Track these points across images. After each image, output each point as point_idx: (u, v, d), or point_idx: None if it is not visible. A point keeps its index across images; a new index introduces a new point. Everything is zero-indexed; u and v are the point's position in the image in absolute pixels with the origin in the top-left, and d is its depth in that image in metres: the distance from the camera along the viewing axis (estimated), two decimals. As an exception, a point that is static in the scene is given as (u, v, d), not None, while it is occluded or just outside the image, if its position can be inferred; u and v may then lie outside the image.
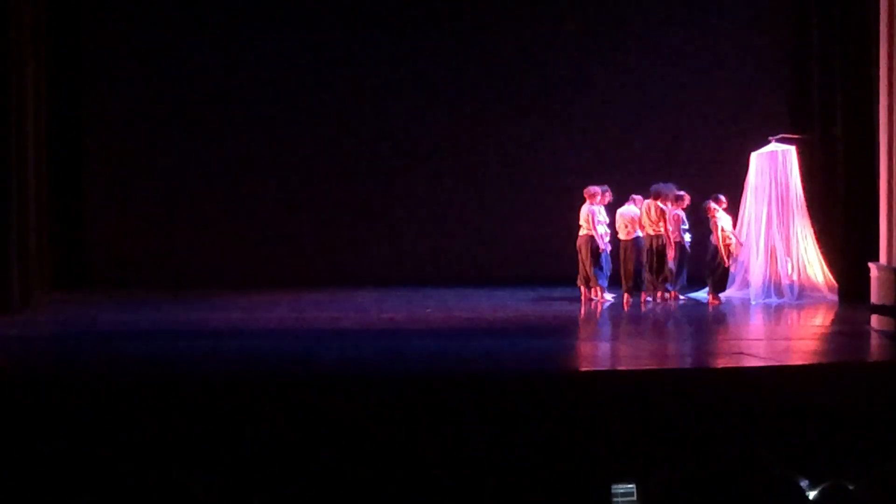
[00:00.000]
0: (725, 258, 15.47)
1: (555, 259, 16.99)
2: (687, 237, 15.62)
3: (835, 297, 15.46)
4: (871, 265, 12.85)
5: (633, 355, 11.91)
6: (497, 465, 8.43)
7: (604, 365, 11.13)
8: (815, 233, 15.93)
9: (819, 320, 14.53)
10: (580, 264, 15.63)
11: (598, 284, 15.51)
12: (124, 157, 18.08)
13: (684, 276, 15.65)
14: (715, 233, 15.53)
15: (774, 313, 14.87)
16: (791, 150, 15.96)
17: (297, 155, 18.37)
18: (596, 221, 15.49)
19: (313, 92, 18.30)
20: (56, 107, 16.80)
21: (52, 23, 16.51)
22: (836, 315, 14.53)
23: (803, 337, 13.09)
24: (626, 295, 15.52)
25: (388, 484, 8.12)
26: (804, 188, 15.93)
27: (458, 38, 18.45)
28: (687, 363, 11.25)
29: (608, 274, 15.72)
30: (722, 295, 15.74)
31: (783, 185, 15.90)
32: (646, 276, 15.47)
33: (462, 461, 8.46)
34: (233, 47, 18.10)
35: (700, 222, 15.96)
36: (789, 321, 14.34)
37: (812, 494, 5.03)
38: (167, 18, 18.02)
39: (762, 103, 17.89)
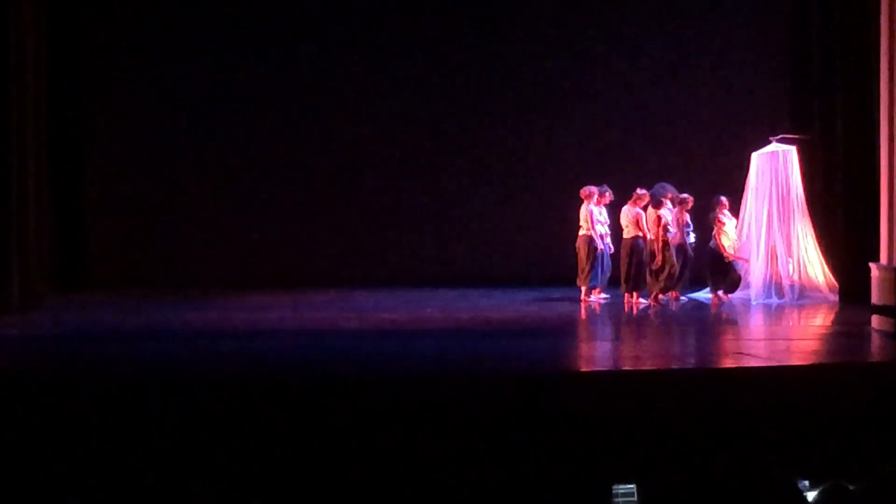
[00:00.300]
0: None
1: (556, 259, 16.98)
2: (691, 238, 15.59)
3: (835, 298, 15.45)
4: (872, 265, 12.84)
5: (634, 356, 11.90)
6: (498, 465, 8.43)
7: (604, 365, 11.11)
8: (815, 233, 15.92)
9: (819, 320, 14.52)
10: (579, 264, 15.64)
11: (586, 284, 15.52)
12: (125, 157, 18.09)
13: (686, 277, 15.64)
14: (718, 238, 15.55)
15: (775, 313, 14.87)
16: (792, 150, 15.96)
17: (298, 155, 18.37)
18: (594, 221, 15.49)
19: (314, 92, 18.30)
20: (57, 107, 16.80)
21: (52, 22, 16.50)
22: (837, 315, 14.52)
23: (804, 337, 13.08)
24: (625, 295, 15.52)
25: (389, 484, 8.13)
26: (805, 188, 15.93)
27: (459, 38, 18.45)
28: (687, 364, 11.22)
29: (608, 275, 15.72)
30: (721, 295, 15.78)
31: (784, 185, 15.90)
32: (647, 277, 15.45)
33: (463, 461, 8.46)
34: (234, 47, 18.10)
35: (704, 225, 15.98)
36: (790, 321, 14.33)
37: (812, 495, 5.02)
38: (168, 18, 18.03)
39: (763, 103, 17.90)
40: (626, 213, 15.60)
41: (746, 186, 16.03)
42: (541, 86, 18.53)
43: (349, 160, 18.44)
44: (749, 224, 15.93)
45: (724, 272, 15.69)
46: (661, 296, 15.33)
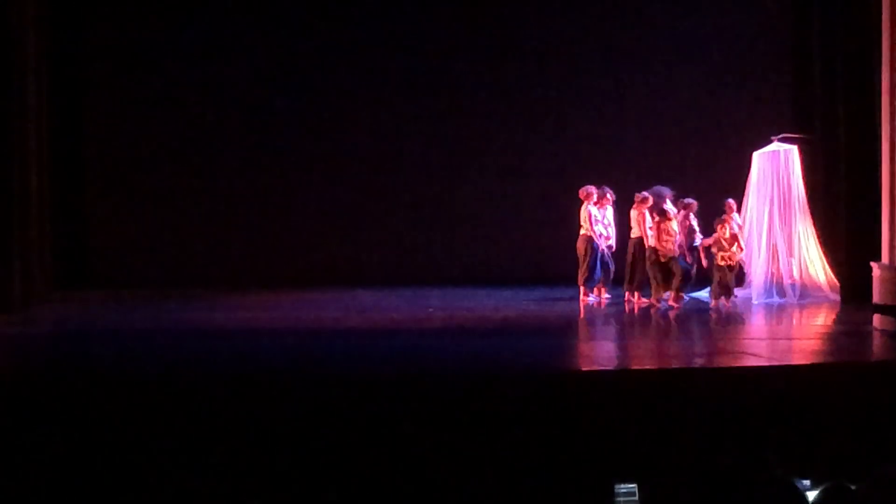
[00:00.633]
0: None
1: (556, 259, 16.97)
2: (697, 241, 15.51)
3: (837, 297, 15.44)
4: (873, 265, 12.84)
5: (635, 355, 11.90)
6: (499, 464, 8.43)
7: (605, 365, 11.10)
8: (816, 232, 15.91)
9: (821, 320, 14.51)
10: (579, 264, 15.64)
11: (583, 284, 15.52)
12: (126, 156, 18.09)
13: (692, 278, 15.54)
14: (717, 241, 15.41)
15: (776, 313, 14.86)
16: (793, 150, 15.95)
17: (299, 154, 18.37)
18: (593, 221, 15.47)
19: (315, 92, 18.30)
20: (58, 106, 16.81)
21: (54, 22, 16.52)
22: (838, 315, 14.51)
23: (805, 336, 13.07)
24: (627, 294, 15.51)
25: (389, 483, 8.12)
26: (806, 187, 15.92)
27: (462, 36, 18.43)
28: (688, 363, 11.22)
29: (612, 275, 15.70)
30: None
31: (785, 185, 15.89)
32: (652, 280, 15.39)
33: (464, 461, 8.45)
34: (234, 47, 18.09)
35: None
36: (791, 321, 14.32)
37: (813, 495, 5.02)
38: (169, 18, 18.02)
39: (764, 103, 17.88)
40: (633, 214, 15.59)
41: (748, 186, 16.02)
42: (543, 86, 18.51)
43: (351, 159, 18.42)
44: (750, 223, 15.91)
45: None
46: (655, 299, 15.22)
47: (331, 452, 8.54)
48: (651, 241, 15.20)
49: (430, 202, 18.43)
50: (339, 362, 10.75)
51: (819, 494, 5.02)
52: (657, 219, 15.16)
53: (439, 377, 9.61)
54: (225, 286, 17.09)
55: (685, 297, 15.50)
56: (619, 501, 7.11)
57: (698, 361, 11.22)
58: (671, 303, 14.99)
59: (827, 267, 15.85)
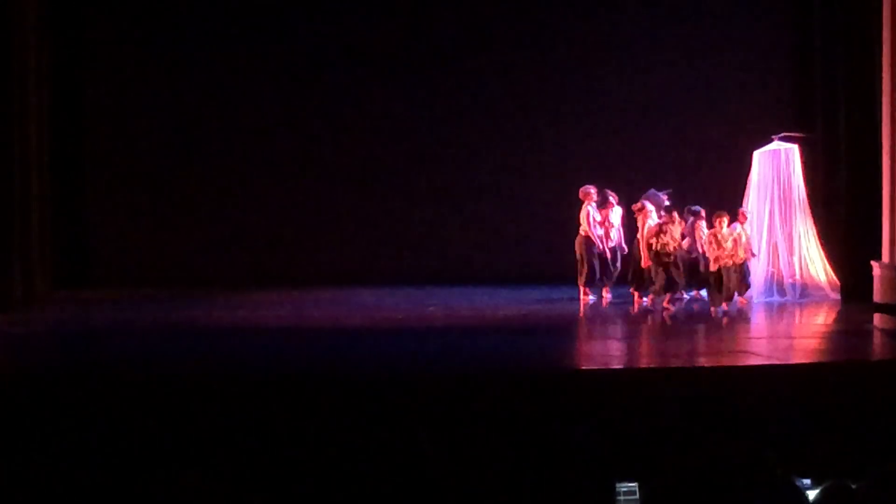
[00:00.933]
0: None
1: (558, 258, 16.95)
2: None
3: (837, 296, 15.43)
4: (874, 264, 12.84)
5: (637, 354, 11.91)
6: (499, 462, 8.43)
7: (606, 363, 11.11)
8: (817, 231, 15.90)
9: (821, 319, 14.51)
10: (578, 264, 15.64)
11: (583, 284, 15.51)
12: (126, 155, 18.06)
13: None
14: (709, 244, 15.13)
15: (777, 312, 14.85)
16: (794, 149, 15.94)
17: (300, 153, 18.34)
18: (591, 222, 15.45)
19: (316, 91, 18.27)
20: (58, 105, 16.80)
21: (54, 21, 16.51)
22: (839, 314, 14.51)
23: (806, 335, 13.08)
24: (633, 293, 15.46)
25: (389, 482, 8.12)
26: (807, 186, 15.91)
27: (460, 37, 18.41)
28: (689, 362, 11.22)
29: (613, 276, 15.68)
30: None
31: (786, 184, 15.88)
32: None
33: (464, 459, 8.45)
34: (234, 45, 18.06)
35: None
36: (792, 320, 14.32)
37: (814, 493, 5.02)
38: (169, 17, 18.01)
39: (765, 102, 17.86)
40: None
41: (748, 185, 16.00)
42: (542, 85, 18.48)
43: (352, 159, 18.40)
44: (751, 222, 15.89)
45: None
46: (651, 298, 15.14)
47: (331, 451, 8.54)
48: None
49: (430, 201, 18.40)
50: (339, 361, 10.76)
51: (819, 493, 5.03)
52: (655, 219, 15.10)
53: (439, 375, 9.62)
54: (225, 285, 17.07)
55: (684, 297, 15.43)
56: (620, 500, 7.11)
57: (700, 360, 11.23)
58: (665, 304, 14.82)
59: (827, 266, 15.85)
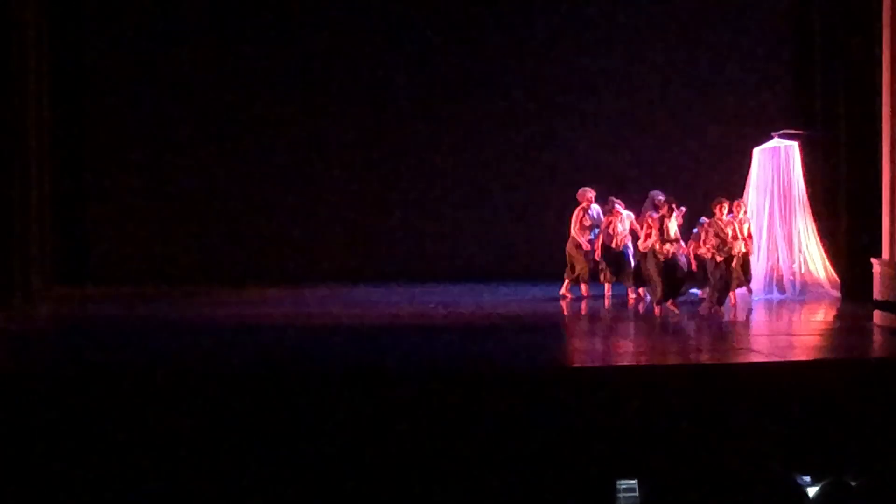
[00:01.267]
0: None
1: (557, 256, 16.93)
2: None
3: (837, 293, 15.45)
4: (874, 261, 12.84)
5: (637, 351, 11.90)
6: (499, 460, 8.43)
7: (607, 361, 11.10)
8: (817, 228, 15.91)
9: (821, 316, 14.51)
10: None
11: (584, 281, 15.49)
12: (126, 151, 18.08)
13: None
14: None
15: (776, 309, 14.85)
16: (794, 146, 15.95)
17: (300, 150, 18.36)
18: (578, 224, 15.42)
19: (316, 87, 18.28)
20: (58, 102, 16.80)
21: (54, 20, 16.51)
22: (839, 311, 14.51)
23: (805, 333, 13.08)
24: (639, 292, 15.42)
25: (389, 480, 8.12)
26: (806, 183, 15.92)
27: (460, 34, 18.41)
28: (689, 359, 11.22)
29: (610, 276, 15.65)
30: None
31: (785, 181, 15.89)
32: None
33: (464, 457, 8.45)
34: (234, 44, 18.08)
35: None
36: (791, 317, 14.32)
37: (814, 491, 5.02)
38: (169, 16, 18.01)
39: (765, 99, 17.88)
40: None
41: (748, 182, 16.01)
42: (542, 85, 18.49)
43: (353, 156, 18.42)
44: (751, 219, 15.89)
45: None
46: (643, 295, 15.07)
47: (330, 449, 8.54)
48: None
49: (430, 199, 18.42)
50: (339, 358, 10.76)
51: (819, 491, 5.02)
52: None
53: (439, 373, 9.61)
54: (225, 282, 17.08)
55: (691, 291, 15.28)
56: (620, 497, 7.10)
57: (699, 358, 11.23)
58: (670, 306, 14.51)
59: (827, 263, 15.86)
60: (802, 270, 15.82)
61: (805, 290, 15.70)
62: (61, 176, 17.02)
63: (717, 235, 14.24)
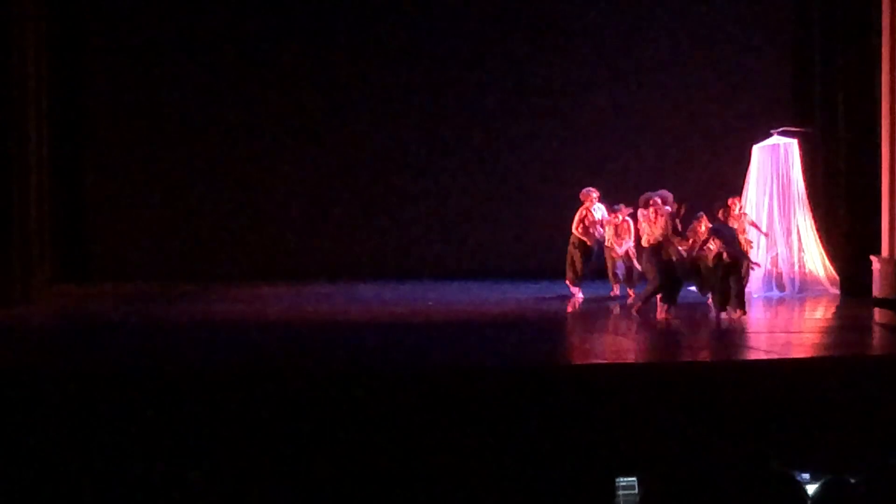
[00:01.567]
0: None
1: (556, 253, 16.94)
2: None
3: (836, 291, 15.46)
4: (873, 258, 12.85)
5: (636, 349, 11.90)
6: (499, 458, 8.43)
7: (606, 358, 11.10)
8: (816, 226, 15.92)
9: (820, 314, 14.52)
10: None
11: (568, 281, 15.50)
12: (126, 149, 18.09)
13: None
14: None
15: (776, 306, 14.86)
16: (793, 143, 15.96)
17: (299, 148, 18.37)
18: (577, 222, 15.43)
19: (316, 86, 18.29)
20: (58, 100, 16.81)
21: (54, 16, 16.51)
22: (838, 308, 14.52)
23: (805, 330, 13.07)
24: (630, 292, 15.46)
25: (388, 478, 8.12)
26: (806, 181, 15.93)
27: (459, 32, 18.42)
28: (688, 356, 11.23)
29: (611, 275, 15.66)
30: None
31: (785, 178, 15.90)
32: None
33: (463, 455, 8.46)
34: (233, 41, 18.08)
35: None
36: (791, 314, 14.33)
37: (813, 488, 5.02)
38: (168, 13, 18.01)
39: (764, 96, 17.88)
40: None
41: (747, 179, 16.02)
42: (540, 81, 18.50)
43: (351, 153, 18.43)
44: (750, 217, 15.91)
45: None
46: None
47: (330, 447, 8.55)
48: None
49: (429, 196, 18.43)
50: (339, 356, 10.76)
51: (818, 488, 5.03)
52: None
53: (437, 371, 9.62)
54: (225, 280, 17.09)
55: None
56: (620, 495, 7.11)
57: (698, 355, 11.23)
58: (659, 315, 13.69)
59: (826, 260, 15.87)
60: (802, 268, 15.82)
61: (804, 288, 15.71)
62: (62, 174, 17.02)
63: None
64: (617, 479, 7.11)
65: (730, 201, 14.40)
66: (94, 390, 8.90)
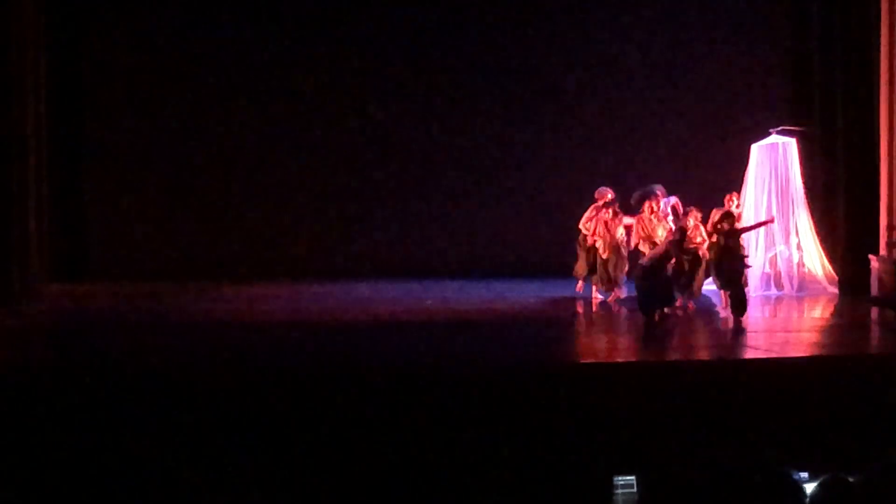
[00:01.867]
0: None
1: (556, 252, 16.95)
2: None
3: (835, 290, 15.46)
4: (872, 257, 12.88)
5: (635, 347, 11.90)
6: (498, 457, 8.43)
7: (605, 357, 11.11)
8: (815, 225, 15.92)
9: (819, 312, 14.52)
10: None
11: (576, 275, 15.46)
12: (124, 147, 18.06)
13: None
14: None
15: (774, 305, 14.86)
16: (792, 142, 15.95)
17: (298, 146, 18.34)
18: (588, 222, 15.39)
19: (315, 84, 18.27)
20: (56, 98, 16.80)
21: (54, 17, 16.50)
22: (836, 307, 14.52)
23: (803, 329, 13.07)
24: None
25: (388, 477, 8.12)
26: (804, 180, 15.93)
27: (459, 30, 18.40)
28: (687, 355, 11.23)
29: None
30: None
31: (783, 177, 15.89)
32: None
33: (462, 454, 8.46)
34: (233, 39, 18.07)
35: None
36: (789, 313, 14.33)
37: (811, 487, 5.02)
38: (167, 12, 17.99)
39: (763, 95, 17.88)
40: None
41: (746, 178, 16.02)
42: (540, 80, 18.47)
43: (350, 152, 18.41)
44: (749, 216, 15.91)
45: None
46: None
47: (329, 447, 8.55)
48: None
49: (428, 195, 18.41)
50: (338, 355, 10.76)
51: (817, 487, 5.03)
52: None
53: (436, 370, 9.62)
54: (223, 278, 17.08)
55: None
56: (618, 493, 7.11)
57: (697, 354, 11.23)
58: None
59: (825, 259, 15.87)
60: (800, 267, 15.82)
61: (803, 287, 15.70)
62: (60, 173, 17.01)
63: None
64: (615, 478, 7.12)
65: (727, 197, 14.43)
66: (93, 389, 8.90)
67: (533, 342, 11.71)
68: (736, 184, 15.89)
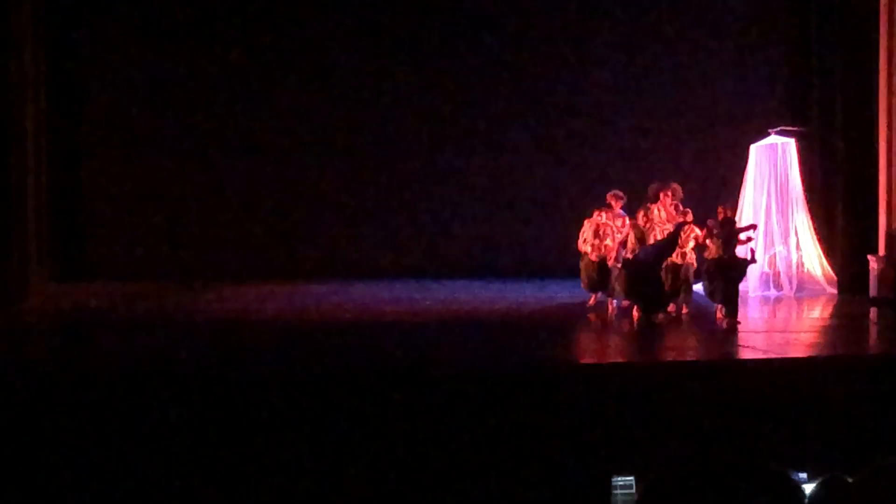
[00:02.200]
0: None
1: (555, 252, 16.95)
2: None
3: (834, 290, 15.46)
4: (871, 258, 12.88)
5: (633, 348, 11.90)
6: (497, 457, 8.44)
7: (603, 358, 11.12)
8: (814, 225, 15.92)
9: (818, 313, 14.52)
10: None
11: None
12: (124, 146, 18.05)
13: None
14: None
15: (773, 306, 14.86)
16: (791, 143, 15.96)
17: (297, 146, 18.32)
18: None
19: (315, 85, 18.24)
20: (55, 96, 16.79)
21: (51, 12, 16.50)
22: (835, 308, 14.52)
23: (802, 329, 13.08)
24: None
25: (388, 477, 8.13)
26: (803, 180, 15.93)
27: (462, 34, 18.38)
28: (686, 356, 11.23)
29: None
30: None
31: (782, 178, 15.90)
32: None
33: (462, 454, 8.46)
34: (232, 41, 18.05)
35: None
36: (788, 314, 14.33)
37: (810, 487, 5.03)
38: (167, 14, 17.98)
39: (762, 95, 17.86)
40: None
41: (745, 179, 16.03)
42: (539, 80, 18.45)
43: (349, 152, 18.39)
44: (748, 217, 15.91)
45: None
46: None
47: (329, 446, 8.55)
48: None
49: (427, 194, 18.40)
50: (337, 355, 10.76)
51: (816, 487, 5.04)
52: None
53: (436, 371, 9.62)
54: (223, 278, 17.07)
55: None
56: (617, 494, 7.13)
57: (696, 355, 11.23)
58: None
59: (824, 260, 15.87)
60: (799, 267, 15.82)
61: (802, 287, 15.70)
62: (59, 173, 17.00)
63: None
64: (614, 479, 7.13)
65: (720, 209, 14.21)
66: (93, 389, 8.90)
67: (533, 342, 11.71)
68: (735, 184, 15.91)
